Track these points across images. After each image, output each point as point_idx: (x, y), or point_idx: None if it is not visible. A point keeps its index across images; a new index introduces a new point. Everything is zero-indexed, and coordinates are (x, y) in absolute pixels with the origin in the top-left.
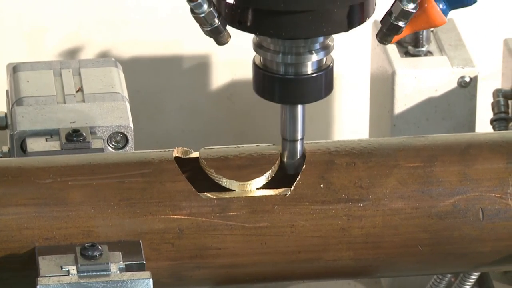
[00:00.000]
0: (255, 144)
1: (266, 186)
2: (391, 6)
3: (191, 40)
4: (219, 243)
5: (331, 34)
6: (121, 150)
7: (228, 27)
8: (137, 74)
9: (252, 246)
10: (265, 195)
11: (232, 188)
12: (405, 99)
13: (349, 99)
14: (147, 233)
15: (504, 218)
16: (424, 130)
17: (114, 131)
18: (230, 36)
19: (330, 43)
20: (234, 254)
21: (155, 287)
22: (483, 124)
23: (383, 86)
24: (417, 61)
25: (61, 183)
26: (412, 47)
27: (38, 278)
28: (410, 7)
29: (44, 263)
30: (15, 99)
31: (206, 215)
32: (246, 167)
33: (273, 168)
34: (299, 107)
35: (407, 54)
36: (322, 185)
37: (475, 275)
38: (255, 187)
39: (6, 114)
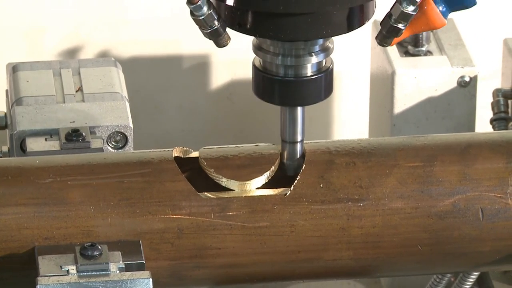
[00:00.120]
0: (255, 144)
1: (265, 185)
2: (391, 8)
3: (190, 40)
4: (218, 243)
5: (331, 36)
6: (120, 150)
7: (228, 29)
8: (137, 74)
9: (251, 246)
10: (265, 195)
11: (232, 188)
12: (405, 98)
13: (349, 99)
14: (147, 233)
15: (503, 218)
16: (424, 130)
17: (113, 130)
18: (229, 38)
19: (329, 45)
20: (233, 253)
21: (155, 286)
22: (483, 124)
23: (383, 86)
24: (417, 60)
25: (61, 183)
26: (412, 46)
27: (38, 278)
28: (410, 9)
29: (44, 262)
30: (15, 99)
31: (206, 215)
32: (246, 167)
33: (273, 168)
34: (299, 109)
35: (407, 53)
36: (321, 185)
37: (474, 275)
38: (255, 186)
39: (5, 114)
